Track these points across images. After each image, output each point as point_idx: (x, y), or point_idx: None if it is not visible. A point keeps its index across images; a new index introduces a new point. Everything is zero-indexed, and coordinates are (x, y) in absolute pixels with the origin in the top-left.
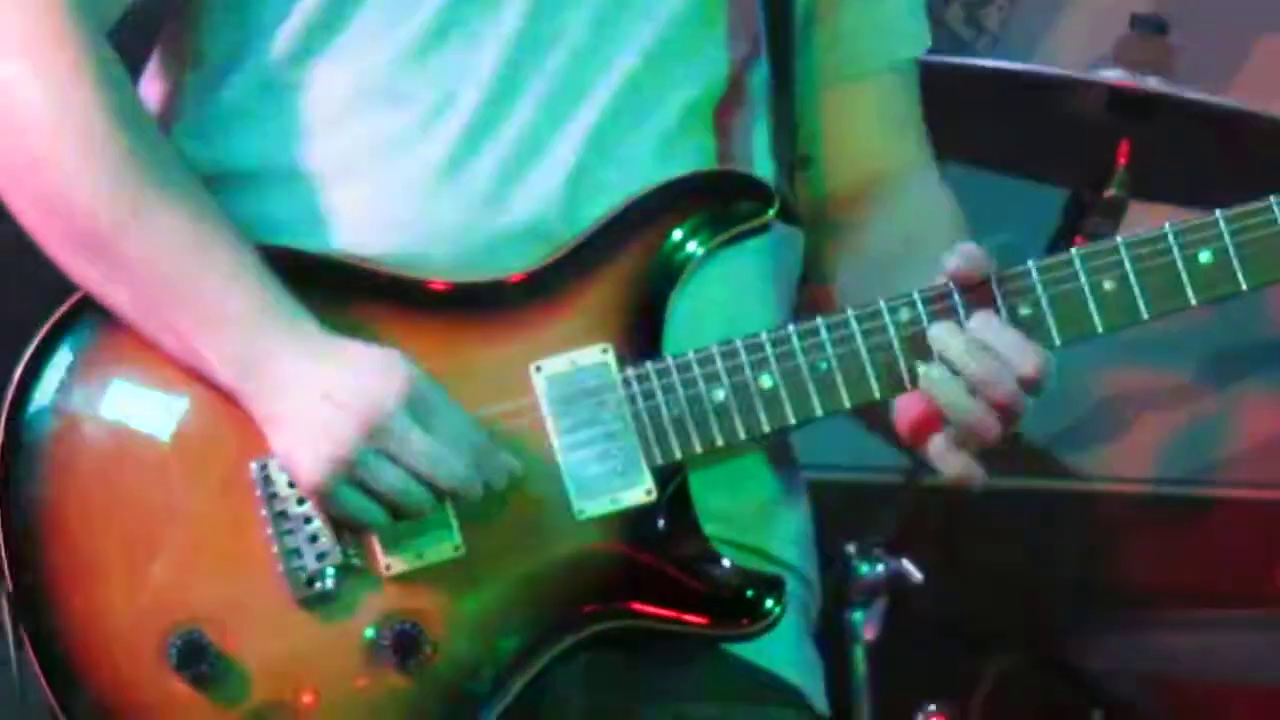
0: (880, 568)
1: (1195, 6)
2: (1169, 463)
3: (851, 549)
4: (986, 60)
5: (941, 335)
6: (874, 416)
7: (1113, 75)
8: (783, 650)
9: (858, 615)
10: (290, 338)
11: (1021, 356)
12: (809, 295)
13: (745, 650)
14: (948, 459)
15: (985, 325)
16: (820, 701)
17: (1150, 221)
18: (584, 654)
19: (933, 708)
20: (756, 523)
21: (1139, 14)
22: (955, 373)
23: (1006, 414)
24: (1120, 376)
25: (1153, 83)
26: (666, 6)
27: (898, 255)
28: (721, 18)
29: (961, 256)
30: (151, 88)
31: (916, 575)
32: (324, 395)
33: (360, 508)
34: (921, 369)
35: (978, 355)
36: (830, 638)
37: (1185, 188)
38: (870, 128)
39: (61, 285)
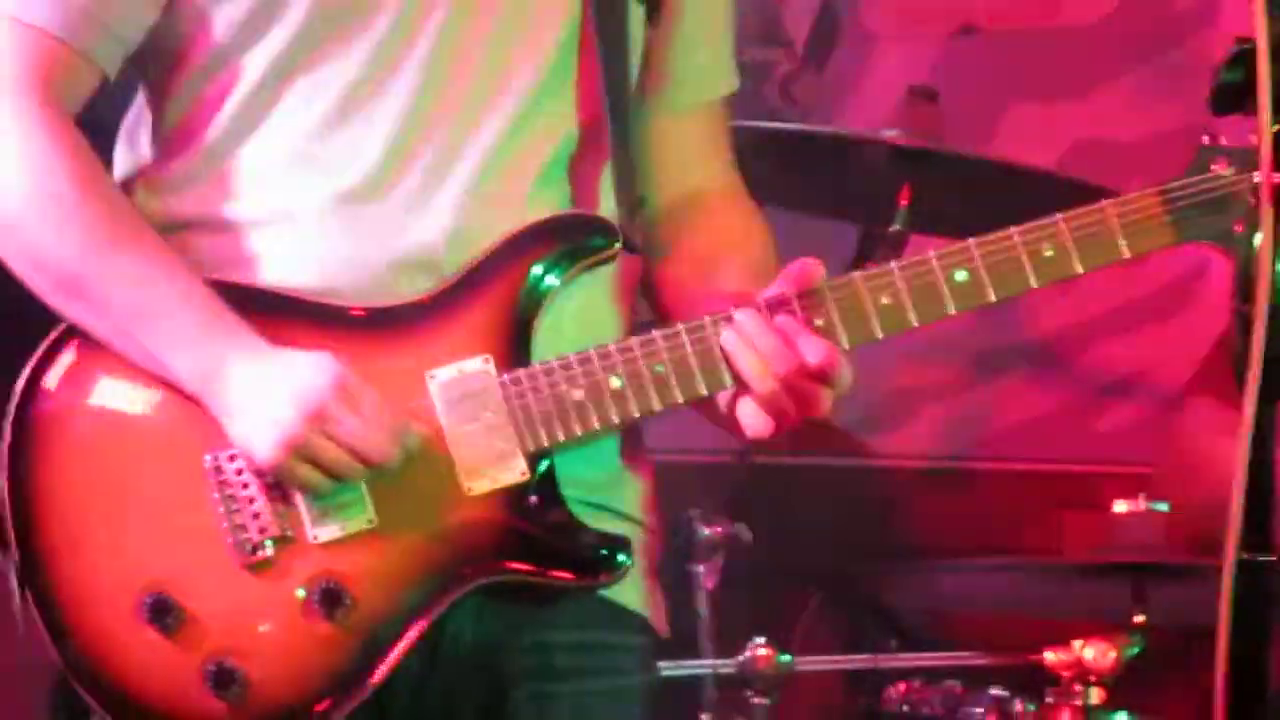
0: (718, 529)
1: (959, 78)
2: (942, 442)
3: (695, 514)
4: (795, 125)
5: (741, 317)
6: (708, 410)
7: (894, 134)
8: (630, 587)
9: (700, 568)
10: (237, 348)
11: (807, 346)
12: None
13: None
14: (748, 419)
15: (783, 321)
16: (661, 625)
17: (927, 251)
18: (475, 597)
19: (760, 640)
20: (609, 486)
21: (914, 85)
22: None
23: (795, 393)
24: (904, 373)
25: (926, 139)
26: (524, 81)
27: (719, 256)
28: (570, 88)
29: (798, 273)
30: (119, 154)
31: (747, 535)
32: (270, 390)
33: (309, 478)
34: (723, 335)
35: (767, 335)
36: (678, 587)
37: (956, 223)
38: (690, 151)
39: None
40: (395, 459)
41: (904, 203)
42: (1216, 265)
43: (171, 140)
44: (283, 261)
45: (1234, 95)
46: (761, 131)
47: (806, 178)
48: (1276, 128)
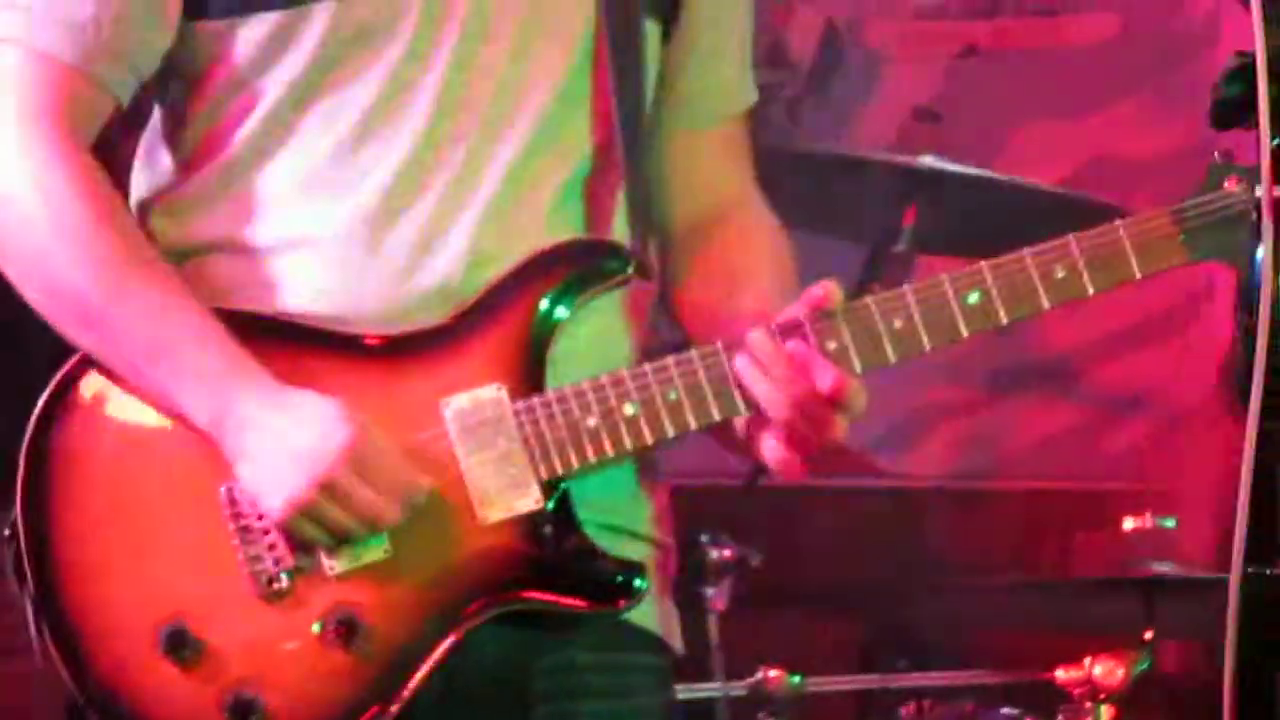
0: (727, 552)
1: (963, 99)
2: (953, 462)
3: (705, 538)
4: (802, 146)
5: (754, 342)
6: (724, 436)
7: (899, 155)
8: (646, 607)
9: (710, 591)
10: (249, 389)
11: (818, 372)
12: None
13: None
14: (770, 452)
15: (795, 346)
16: (677, 643)
17: (934, 270)
18: (493, 621)
19: (771, 662)
20: (624, 507)
21: (918, 106)
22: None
23: (809, 417)
24: (915, 394)
25: (929, 160)
26: (539, 103)
27: (740, 274)
28: (585, 110)
29: (814, 297)
30: (136, 176)
31: (756, 557)
32: (281, 445)
33: (313, 536)
34: (736, 360)
35: (779, 360)
36: (688, 610)
37: (961, 243)
38: (710, 165)
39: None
40: (402, 521)
41: (909, 222)
42: (1223, 285)
43: (189, 163)
44: (300, 287)
45: (1234, 110)
46: (767, 152)
47: (813, 199)
48: (1277, 142)
